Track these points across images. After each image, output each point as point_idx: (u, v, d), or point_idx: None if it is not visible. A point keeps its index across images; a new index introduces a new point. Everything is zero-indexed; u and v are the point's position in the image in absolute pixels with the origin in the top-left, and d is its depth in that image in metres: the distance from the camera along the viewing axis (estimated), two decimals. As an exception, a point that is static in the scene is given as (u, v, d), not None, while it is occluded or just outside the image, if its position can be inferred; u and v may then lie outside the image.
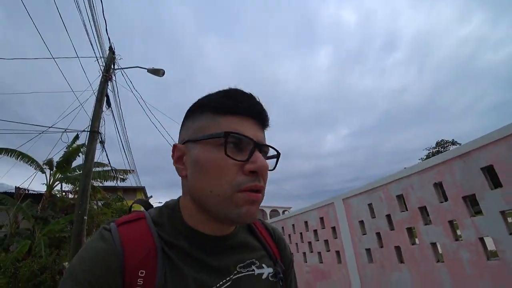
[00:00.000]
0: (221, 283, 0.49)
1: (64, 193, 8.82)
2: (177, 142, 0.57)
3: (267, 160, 0.52)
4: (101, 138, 7.09)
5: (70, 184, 8.66)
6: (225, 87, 0.54)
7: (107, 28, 7.27)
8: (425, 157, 32.68)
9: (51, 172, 8.50)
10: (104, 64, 7.46)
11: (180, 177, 0.55)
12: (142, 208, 0.65)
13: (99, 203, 10.43)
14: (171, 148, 0.55)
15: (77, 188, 7.69)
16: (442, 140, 33.35)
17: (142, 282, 0.43)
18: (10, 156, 8.09)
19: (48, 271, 6.25)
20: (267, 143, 0.53)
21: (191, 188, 0.51)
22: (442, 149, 32.15)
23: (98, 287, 0.41)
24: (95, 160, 7.03)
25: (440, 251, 2.91)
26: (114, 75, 7.79)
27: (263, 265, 0.57)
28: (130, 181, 11.92)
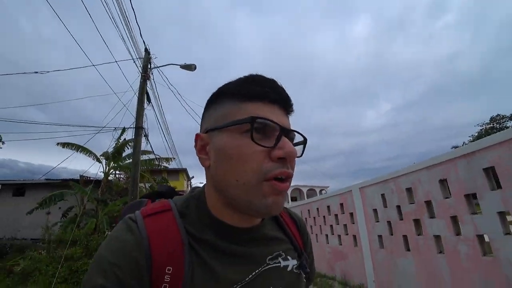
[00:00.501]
0: (250, 276, 0.48)
1: (118, 179, 10.15)
2: (199, 132, 0.54)
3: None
4: (145, 132, 8.01)
5: (122, 171, 9.95)
6: (247, 74, 0.52)
7: (141, 32, 7.96)
8: (476, 134, 28.62)
9: (106, 162, 9.82)
10: (141, 65, 8.20)
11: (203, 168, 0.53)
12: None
13: (147, 186, 11.74)
14: (194, 138, 0.53)
15: (128, 175, 8.87)
16: (498, 115, 28.26)
17: (169, 279, 0.43)
18: (71, 149, 9.50)
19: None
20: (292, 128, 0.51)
21: (215, 178, 0.49)
22: (497, 125, 27.47)
23: (125, 282, 0.40)
24: (141, 149, 8.08)
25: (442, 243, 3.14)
26: (152, 73, 8.55)
27: (289, 257, 0.56)
28: (173, 164, 13.21)
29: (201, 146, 0.52)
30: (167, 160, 10.92)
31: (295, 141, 0.51)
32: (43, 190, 10.83)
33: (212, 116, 0.51)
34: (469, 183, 2.82)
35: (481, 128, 28.81)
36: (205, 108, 0.55)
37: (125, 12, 6.64)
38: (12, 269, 6.62)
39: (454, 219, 2.99)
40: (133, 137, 7.81)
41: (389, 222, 3.95)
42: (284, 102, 0.50)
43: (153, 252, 0.44)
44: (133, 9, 6.75)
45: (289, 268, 0.55)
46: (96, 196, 9.14)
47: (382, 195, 4.09)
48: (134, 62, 7.92)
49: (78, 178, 10.03)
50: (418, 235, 3.44)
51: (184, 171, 28.73)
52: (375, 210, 4.26)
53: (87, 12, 5.33)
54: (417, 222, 3.48)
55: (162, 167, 10.79)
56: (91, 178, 10.02)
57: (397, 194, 3.79)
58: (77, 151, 9.72)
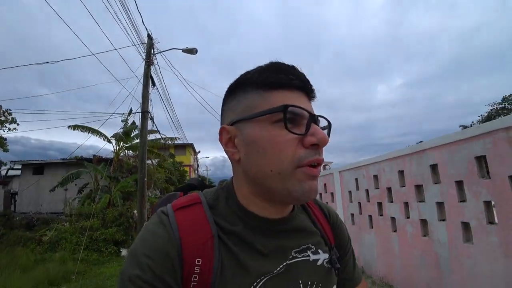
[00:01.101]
0: (278, 268, 0.48)
1: (128, 158, 10.96)
2: (223, 124, 0.53)
3: None
4: (151, 116, 8.61)
5: (131, 151, 10.73)
6: (267, 62, 0.50)
7: (143, 19, 8.22)
8: (486, 114, 27.54)
9: (117, 142, 10.57)
10: (145, 51, 8.58)
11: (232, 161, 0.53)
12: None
13: (154, 162, 12.56)
14: (218, 131, 0.52)
15: (137, 153, 9.63)
16: (510, 95, 26.33)
17: (199, 270, 0.43)
18: (82, 131, 10.25)
19: (124, 216, 8.43)
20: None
21: (248, 170, 0.48)
22: (509, 106, 25.80)
23: (159, 274, 0.41)
24: (148, 129, 8.77)
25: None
26: (155, 58, 8.95)
27: (319, 250, 0.55)
28: (180, 140, 14.01)
29: (228, 139, 0.51)
30: (172, 139, 11.65)
31: (320, 126, 0.51)
32: (60, 169, 11.79)
33: (237, 108, 0.50)
34: (419, 176, 3.38)
35: (492, 108, 27.70)
36: (224, 100, 0.54)
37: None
38: (41, 238, 7.63)
39: (406, 204, 3.59)
40: (140, 120, 8.46)
41: (359, 203, 4.59)
42: (307, 88, 0.50)
43: (183, 245, 0.44)
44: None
45: (319, 262, 0.54)
46: (109, 173, 9.99)
47: (356, 179, 4.68)
48: (137, 49, 8.29)
49: (91, 157, 10.86)
50: (380, 215, 4.08)
51: (190, 146, 29.69)
52: (350, 192, 4.89)
53: (90, 3, 5.71)
54: (380, 204, 4.10)
55: (169, 143, 11.61)
56: (103, 157, 10.83)
57: (366, 180, 4.38)
58: (88, 133, 10.45)
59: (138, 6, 7.36)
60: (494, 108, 27.35)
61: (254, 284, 0.45)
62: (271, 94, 0.47)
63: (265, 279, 0.47)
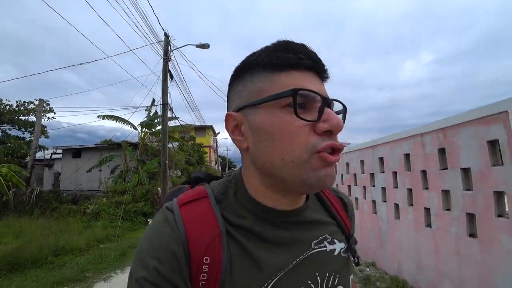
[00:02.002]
0: (294, 262, 0.46)
1: (152, 143, 12.44)
2: (229, 110, 0.49)
3: None
4: (170, 107, 9.85)
5: (155, 136, 12.17)
6: (274, 41, 0.46)
7: (160, 21, 9.26)
8: None
9: (142, 129, 12.04)
10: (162, 49, 9.66)
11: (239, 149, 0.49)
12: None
13: (175, 146, 13.99)
14: (224, 118, 0.48)
15: (160, 139, 11.03)
16: None
17: (207, 269, 0.42)
18: (110, 119, 11.79)
19: (150, 192, 9.94)
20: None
21: (257, 159, 0.45)
22: None
23: (165, 275, 0.40)
24: (168, 116, 10.10)
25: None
26: (173, 54, 10.03)
27: (335, 240, 0.52)
28: (200, 122, 15.38)
29: (234, 126, 0.47)
30: (189, 126, 13.00)
31: (334, 110, 0.46)
32: (94, 152, 13.51)
33: (243, 93, 0.46)
34: (372, 166, 4.32)
35: None
36: (230, 85, 0.50)
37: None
38: (85, 211, 9.31)
39: (364, 188, 4.57)
40: (161, 111, 9.74)
41: (337, 185, 5.59)
42: (319, 69, 0.45)
43: (190, 243, 0.42)
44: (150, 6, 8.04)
45: (336, 252, 0.51)
46: (136, 156, 11.50)
47: (347, 163, 5.59)
48: (153, 47, 9.39)
49: (120, 142, 12.43)
50: (349, 196, 5.08)
51: (210, 127, 31.14)
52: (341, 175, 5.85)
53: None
54: (349, 187, 5.09)
55: (187, 128, 13.12)
56: (132, 142, 12.36)
57: (341, 166, 5.35)
58: (116, 121, 11.93)
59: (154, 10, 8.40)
60: None
61: (269, 281, 0.43)
62: (279, 76, 0.43)
63: (280, 275, 0.44)
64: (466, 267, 2.59)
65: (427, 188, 3.10)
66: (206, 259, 0.42)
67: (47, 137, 17.73)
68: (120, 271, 4.40)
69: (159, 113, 11.14)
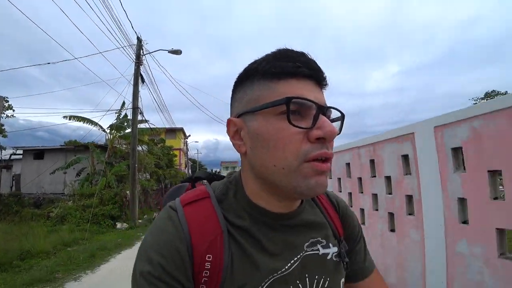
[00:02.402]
0: (289, 265, 0.48)
1: (121, 146, 12.35)
2: (231, 116, 0.52)
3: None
4: (141, 111, 9.96)
5: (124, 139, 12.12)
6: (274, 49, 0.48)
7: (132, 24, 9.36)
8: None
9: (110, 132, 11.94)
10: (134, 53, 9.77)
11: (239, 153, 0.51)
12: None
13: (144, 149, 13.97)
14: (226, 123, 0.51)
15: (129, 142, 11.04)
16: (493, 91, 27.49)
17: (209, 266, 0.44)
18: (77, 121, 11.61)
19: (118, 195, 9.94)
20: (328, 104, 0.47)
21: (253, 164, 0.47)
22: None
23: (169, 270, 0.42)
24: (139, 119, 10.19)
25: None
26: (146, 59, 10.16)
27: (330, 244, 0.54)
28: (170, 124, 15.44)
29: (235, 131, 0.50)
30: (160, 130, 13.09)
31: (332, 117, 0.48)
32: (59, 154, 13.09)
33: (243, 99, 0.48)
34: (340, 171, 4.87)
35: (475, 102, 29.10)
36: (233, 91, 0.52)
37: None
38: (49, 214, 9.11)
39: (388, 179, 5.14)
40: (131, 115, 9.82)
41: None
42: (317, 76, 0.46)
43: (193, 241, 0.44)
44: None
45: (329, 257, 0.53)
46: (105, 159, 11.38)
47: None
48: (124, 51, 9.48)
49: (87, 143, 12.21)
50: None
51: (180, 130, 30.91)
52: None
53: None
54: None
55: (157, 131, 13.15)
56: (99, 144, 12.18)
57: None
58: (83, 123, 11.73)
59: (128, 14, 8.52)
60: (476, 103, 28.77)
61: (266, 281, 0.46)
62: (277, 84, 0.44)
63: (277, 276, 0.47)
64: (388, 256, 3.20)
65: (362, 192, 3.72)
66: (209, 257, 0.44)
67: (4, 136, 16.73)
68: (90, 271, 4.59)
69: (129, 116, 11.16)
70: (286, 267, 0.48)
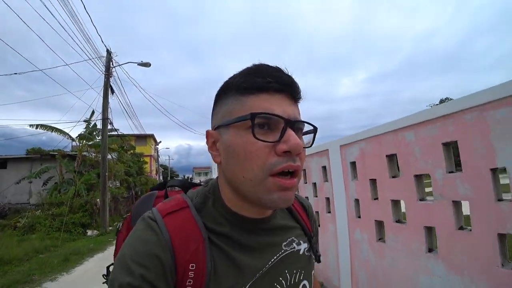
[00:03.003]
0: (269, 263, 0.52)
1: (90, 155, 12.50)
2: (210, 128, 0.55)
3: (304, 136, 0.51)
4: (110, 121, 10.32)
5: (93, 148, 12.30)
6: (249, 64, 0.50)
7: (102, 39, 9.75)
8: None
9: (79, 140, 12.10)
10: (104, 65, 10.15)
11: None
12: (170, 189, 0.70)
13: (114, 157, 14.16)
14: (205, 134, 0.53)
15: (99, 150, 11.30)
16: (446, 99, 30.06)
17: (193, 275, 0.45)
18: (44, 129, 11.63)
19: (89, 203, 10.19)
20: (302, 118, 0.50)
21: (226, 174, 0.50)
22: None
23: (151, 280, 0.42)
24: (109, 127, 10.54)
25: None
26: (115, 71, 10.56)
27: (301, 241, 0.60)
28: (140, 130, 15.69)
29: (212, 143, 0.52)
30: (130, 139, 13.41)
31: (305, 130, 0.51)
32: (24, 163, 12.93)
33: (219, 113, 0.51)
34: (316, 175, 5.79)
35: (430, 106, 32.08)
36: (213, 104, 0.55)
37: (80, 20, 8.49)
38: (16, 224, 9.16)
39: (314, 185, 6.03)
40: (101, 126, 10.16)
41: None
42: (289, 90, 0.48)
43: (176, 251, 0.45)
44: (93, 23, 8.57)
45: (301, 252, 0.59)
46: (73, 168, 11.52)
47: None
48: (93, 63, 9.85)
49: (53, 152, 12.24)
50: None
51: (151, 136, 30.76)
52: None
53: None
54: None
55: (127, 139, 13.44)
56: (68, 153, 12.26)
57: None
58: (51, 131, 11.80)
59: (97, 29, 8.95)
60: (430, 107, 31.44)
61: (250, 282, 0.48)
62: (248, 98, 0.47)
63: (258, 275, 0.49)
64: (326, 246, 4.02)
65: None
66: (192, 266, 0.45)
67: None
68: (65, 273, 5.06)
69: (99, 125, 11.43)
70: (266, 267, 0.51)
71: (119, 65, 10.75)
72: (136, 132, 15.75)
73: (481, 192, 1.55)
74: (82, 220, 9.31)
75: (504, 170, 1.47)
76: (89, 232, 9.04)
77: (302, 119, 0.50)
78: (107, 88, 10.15)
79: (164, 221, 0.48)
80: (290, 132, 0.45)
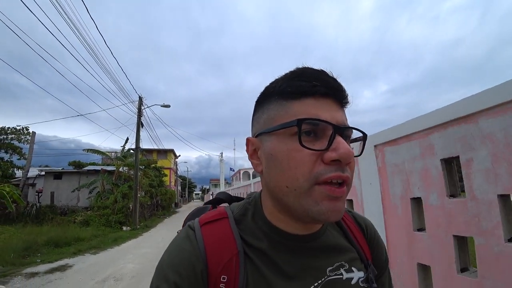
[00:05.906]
0: None
1: (125, 171, 16.61)
2: (251, 136, 0.53)
3: (351, 144, 0.47)
4: (141, 149, 14.31)
5: (127, 167, 16.43)
6: (293, 68, 0.48)
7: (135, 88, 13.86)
8: None
9: (116, 161, 16.30)
10: (137, 108, 14.22)
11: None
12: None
13: (140, 173, 18.18)
14: (245, 142, 0.52)
15: (131, 169, 15.28)
16: None
17: (224, 286, 0.44)
18: (96, 153, 15.86)
19: (124, 208, 14.06)
20: (350, 124, 0.47)
21: (268, 184, 0.48)
22: None
23: None
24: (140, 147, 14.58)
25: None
26: (146, 111, 14.60)
27: (353, 268, 0.51)
28: (163, 145, 19.66)
29: (253, 151, 0.51)
30: (154, 160, 17.50)
31: (353, 137, 0.48)
32: (74, 176, 17.22)
33: (261, 119, 0.49)
34: None
35: None
36: (254, 110, 0.53)
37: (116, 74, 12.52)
38: (75, 220, 13.13)
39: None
40: (135, 152, 14.19)
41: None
42: (336, 94, 0.45)
43: (209, 260, 0.44)
44: (128, 79, 12.60)
45: (353, 281, 0.50)
46: (112, 181, 15.57)
47: None
48: (125, 105, 13.93)
49: (98, 168, 16.41)
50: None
51: (171, 151, 35.18)
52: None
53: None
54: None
55: (154, 160, 17.58)
56: (108, 170, 16.41)
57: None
58: (97, 154, 15.99)
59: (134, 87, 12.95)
60: None
61: None
62: (292, 104, 0.44)
63: None
64: None
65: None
66: (224, 278, 0.44)
67: (25, 158, 20.50)
68: (116, 246, 8.80)
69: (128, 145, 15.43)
70: None
71: (148, 107, 14.82)
72: (157, 147, 19.85)
73: None
74: (120, 219, 13.16)
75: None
76: (124, 228, 12.84)
77: (350, 125, 0.46)
78: (139, 125, 14.15)
79: (202, 230, 0.48)
80: (339, 139, 0.42)
